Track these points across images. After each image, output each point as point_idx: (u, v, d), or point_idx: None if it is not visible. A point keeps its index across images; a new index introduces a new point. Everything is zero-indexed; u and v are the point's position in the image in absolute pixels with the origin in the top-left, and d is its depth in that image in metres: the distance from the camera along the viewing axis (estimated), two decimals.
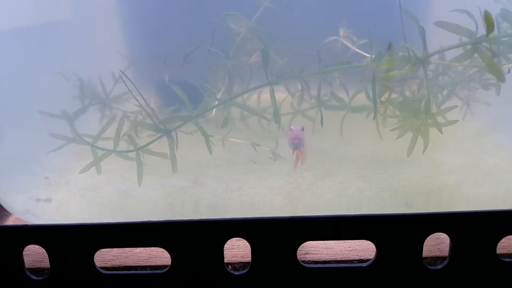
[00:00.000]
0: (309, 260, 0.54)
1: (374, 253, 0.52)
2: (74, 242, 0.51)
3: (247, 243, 0.51)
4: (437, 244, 0.57)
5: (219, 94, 0.67)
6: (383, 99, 0.71)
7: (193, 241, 0.50)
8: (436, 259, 0.55)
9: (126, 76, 0.68)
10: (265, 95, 0.79)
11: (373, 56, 0.50)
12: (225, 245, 0.50)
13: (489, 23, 0.42)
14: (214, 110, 0.65)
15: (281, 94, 0.81)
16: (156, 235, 0.51)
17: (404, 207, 0.66)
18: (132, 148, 0.65)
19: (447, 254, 0.53)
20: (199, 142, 0.66)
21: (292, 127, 0.63)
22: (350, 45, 0.59)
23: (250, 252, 0.51)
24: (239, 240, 0.51)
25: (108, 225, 0.51)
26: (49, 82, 0.79)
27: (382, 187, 0.69)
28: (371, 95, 0.72)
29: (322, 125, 0.62)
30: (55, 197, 0.69)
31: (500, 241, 0.51)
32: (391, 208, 0.66)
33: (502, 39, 0.47)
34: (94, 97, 0.86)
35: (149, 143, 0.63)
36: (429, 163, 0.70)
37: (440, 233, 0.51)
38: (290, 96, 0.81)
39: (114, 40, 0.88)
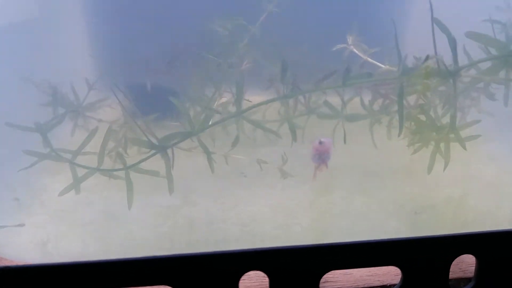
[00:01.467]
0: None
1: (396, 277, 0.49)
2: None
3: (261, 272, 0.46)
4: (457, 264, 0.54)
5: (215, 104, 0.61)
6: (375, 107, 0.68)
7: (204, 277, 0.44)
8: (459, 281, 0.52)
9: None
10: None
11: (399, 67, 0.46)
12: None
13: None
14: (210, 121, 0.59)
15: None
16: (160, 271, 0.44)
17: (413, 215, 0.63)
18: (119, 165, 0.58)
19: (470, 274, 0.50)
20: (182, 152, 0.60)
21: (322, 139, 0.57)
22: (361, 55, 0.55)
23: (265, 284, 0.46)
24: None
25: (99, 263, 0.44)
26: (15, 90, 0.71)
27: (387, 202, 0.66)
28: (366, 103, 0.69)
29: (345, 142, 0.57)
30: (28, 222, 0.61)
31: None
32: (400, 218, 0.63)
33: None
34: (67, 105, 0.77)
35: (141, 161, 0.56)
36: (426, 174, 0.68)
37: None
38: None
39: (87, 42, 0.80)
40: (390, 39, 0.58)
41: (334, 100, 0.69)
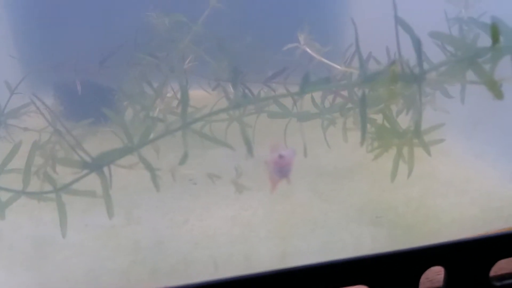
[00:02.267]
0: None
1: None
2: None
3: None
4: (425, 273, 0.52)
5: (156, 111, 0.54)
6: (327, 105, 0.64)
7: None
8: None
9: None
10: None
11: (361, 73, 0.42)
12: None
13: (495, 35, 0.37)
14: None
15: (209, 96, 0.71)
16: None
17: (375, 219, 0.60)
18: (48, 186, 0.50)
19: (439, 285, 0.48)
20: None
21: (282, 152, 0.48)
22: (314, 54, 0.51)
23: None
24: None
25: None
26: None
27: (346, 205, 0.63)
28: (317, 101, 0.65)
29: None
30: None
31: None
32: (362, 224, 0.60)
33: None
34: None
35: (72, 182, 0.49)
36: (383, 174, 0.66)
37: None
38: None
39: (7, 42, 0.70)
40: (342, 36, 0.54)
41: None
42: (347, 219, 0.60)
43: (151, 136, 0.48)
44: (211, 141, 0.46)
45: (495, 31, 0.37)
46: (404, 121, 0.55)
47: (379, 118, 0.55)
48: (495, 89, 0.41)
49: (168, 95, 0.63)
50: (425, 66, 0.42)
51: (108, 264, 0.51)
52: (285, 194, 0.65)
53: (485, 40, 0.48)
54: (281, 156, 0.47)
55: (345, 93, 0.65)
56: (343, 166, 0.74)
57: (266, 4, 0.67)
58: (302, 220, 0.60)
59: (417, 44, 0.40)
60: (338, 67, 0.50)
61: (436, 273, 0.50)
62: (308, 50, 0.52)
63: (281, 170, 0.47)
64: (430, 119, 0.72)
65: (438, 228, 0.56)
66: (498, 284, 0.49)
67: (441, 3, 0.67)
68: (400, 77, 0.41)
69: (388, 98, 0.44)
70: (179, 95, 0.62)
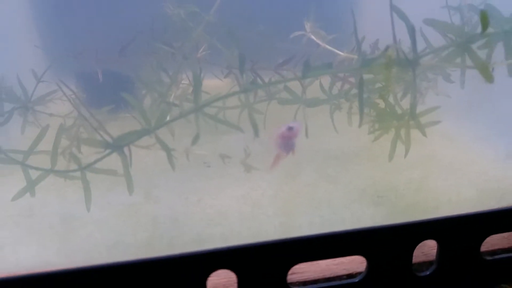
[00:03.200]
0: (297, 281, 0.50)
1: (362, 265, 0.49)
2: None
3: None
4: (419, 248, 0.56)
5: (172, 96, 0.58)
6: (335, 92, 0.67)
7: (173, 278, 0.43)
8: (422, 265, 0.54)
9: None
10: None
11: (358, 58, 0.46)
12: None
13: (485, 21, 0.40)
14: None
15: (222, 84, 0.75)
16: (126, 278, 0.43)
17: (376, 199, 0.64)
18: (73, 166, 0.55)
19: (433, 258, 0.52)
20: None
21: (291, 124, 0.51)
22: (319, 42, 0.54)
23: (233, 279, 0.45)
24: None
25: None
26: None
27: (350, 187, 0.67)
28: (326, 88, 0.68)
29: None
30: None
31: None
32: (363, 203, 0.64)
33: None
34: (14, 101, 0.73)
35: (96, 161, 0.53)
36: (386, 157, 0.69)
37: None
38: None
39: (31, 33, 0.75)
40: (348, 24, 0.57)
41: (293, 84, 0.68)
42: (350, 199, 0.63)
43: (167, 119, 0.53)
44: (221, 123, 0.50)
45: (484, 18, 0.40)
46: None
47: (381, 102, 0.58)
48: (486, 73, 0.44)
49: (185, 82, 0.67)
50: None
51: (128, 239, 0.56)
52: (292, 175, 0.69)
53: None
54: (290, 128, 0.50)
55: (352, 79, 0.68)
56: (349, 150, 0.77)
57: None
58: (307, 199, 0.64)
59: (412, 31, 0.43)
60: (341, 53, 0.53)
61: (430, 248, 0.53)
62: (313, 37, 0.55)
63: (288, 144, 0.51)
64: (433, 103, 0.75)
65: (435, 207, 0.59)
66: (489, 258, 0.52)
67: None
68: (396, 62, 0.44)
69: (385, 82, 0.47)
70: None
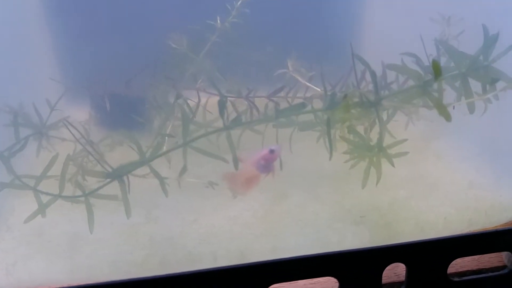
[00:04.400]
0: None
1: (336, 284, 0.54)
2: None
3: None
4: (392, 268, 0.60)
5: (168, 129, 0.64)
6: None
7: None
8: (393, 285, 0.57)
9: None
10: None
11: (328, 94, 0.51)
12: None
13: (437, 70, 0.44)
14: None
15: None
16: None
17: (358, 219, 0.68)
18: (79, 191, 0.62)
19: (403, 279, 0.55)
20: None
21: (273, 147, 0.56)
22: (300, 79, 0.59)
23: None
24: None
25: None
26: None
27: (336, 207, 0.71)
28: (318, 114, 0.73)
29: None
30: None
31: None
32: (346, 222, 0.68)
33: (445, 76, 0.49)
34: (30, 126, 0.80)
35: (98, 188, 0.59)
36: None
37: None
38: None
39: (47, 65, 0.82)
40: (329, 61, 0.62)
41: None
42: (334, 219, 0.68)
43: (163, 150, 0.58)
44: (207, 155, 0.56)
45: (436, 67, 0.44)
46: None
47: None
48: (445, 113, 0.48)
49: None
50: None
51: (127, 257, 0.62)
52: (286, 195, 0.74)
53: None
54: (272, 151, 0.55)
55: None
56: (341, 170, 0.81)
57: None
58: (294, 219, 0.68)
59: (374, 76, 0.47)
60: (318, 89, 0.58)
61: (403, 269, 0.57)
62: (294, 75, 0.60)
63: (268, 165, 0.55)
64: (425, 125, 0.78)
65: (412, 227, 0.63)
66: (457, 279, 0.55)
67: (425, 21, 0.73)
68: (359, 104, 0.48)
69: (348, 121, 0.52)
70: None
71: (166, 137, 0.61)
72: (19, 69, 0.81)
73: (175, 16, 0.76)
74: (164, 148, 0.60)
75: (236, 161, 0.55)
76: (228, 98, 0.79)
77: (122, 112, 0.78)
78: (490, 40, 0.51)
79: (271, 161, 0.58)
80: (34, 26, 0.84)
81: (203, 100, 0.74)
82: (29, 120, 0.80)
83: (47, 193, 0.62)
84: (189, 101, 0.73)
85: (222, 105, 0.53)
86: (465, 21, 0.75)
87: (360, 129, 0.57)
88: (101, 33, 0.82)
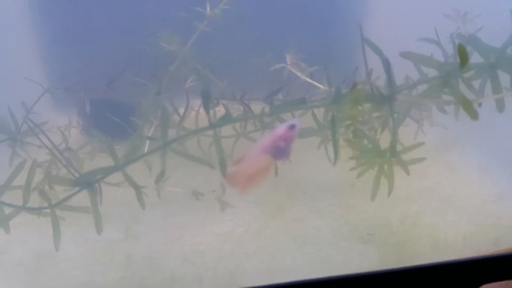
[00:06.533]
0: None
1: None
2: None
3: None
4: None
5: (150, 132, 0.57)
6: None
7: None
8: None
9: None
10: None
11: (332, 89, 0.43)
12: None
13: (463, 56, 0.36)
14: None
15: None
16: None
17: (365, 237, 0.60)
18: (46, 203, 0.54)
19: None
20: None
21: (291, 122, 0.42)
22: (299, 74, 0.51)
23: None
24: None
25: None
26: None
27: (340, 222, 0.63)
28: (319, 119, 0.66)
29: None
30: None
31: None
32: (352, 240, 0.60)
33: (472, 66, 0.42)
34: (3, 132, 0.73)
35: (66, 198, 0.52)
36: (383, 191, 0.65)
37: None
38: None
39: (25, 65, 0.76)
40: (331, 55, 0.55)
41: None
42: (338, 236, 0.60)
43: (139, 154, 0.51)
44: (190, 159, 0.48)
45: (462, 53, 0.37)
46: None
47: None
48: (470, 109, 0.40)
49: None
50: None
51: (99, 279, 0.54)
52: (282, 208, 0.66)
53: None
54: (292, 126, 0.42)
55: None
56: (345, 182, 0.74)
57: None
58: (292, 236, 0.60)
59: (386, 65, 0.40)
60: (320, 86, 0.51)
61: None
62: (293, 70, 0.53)
63: (285, 149, 0.42)
64: (438, 133, 0.71)
65: (428, 247, 0.55)
66: None
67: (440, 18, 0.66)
68: (369, 98, 0.41)
69: (356, 117, 0.44)
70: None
71: (147, 141, 0.54)
72: None
73: (159, 4, 0.69)
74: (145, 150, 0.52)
75: (223, 164, 0.47)
76: (221, 101, 0.73)
77: (103, 115, 0.71)
78: None
79: (291, 140, 0.43)
80: (11, 24, 0.78)
81: (196, 103, 0.67)
82: (2, 125, 0.73)
83: (9, 205, 0.55)
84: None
85: (206, 97, 0.45)
86: (482, 17, 0.69)
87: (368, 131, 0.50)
88: (81, 30, 0.76)
